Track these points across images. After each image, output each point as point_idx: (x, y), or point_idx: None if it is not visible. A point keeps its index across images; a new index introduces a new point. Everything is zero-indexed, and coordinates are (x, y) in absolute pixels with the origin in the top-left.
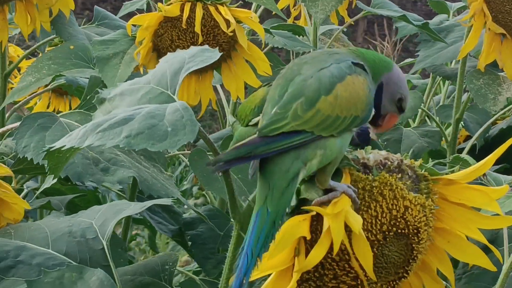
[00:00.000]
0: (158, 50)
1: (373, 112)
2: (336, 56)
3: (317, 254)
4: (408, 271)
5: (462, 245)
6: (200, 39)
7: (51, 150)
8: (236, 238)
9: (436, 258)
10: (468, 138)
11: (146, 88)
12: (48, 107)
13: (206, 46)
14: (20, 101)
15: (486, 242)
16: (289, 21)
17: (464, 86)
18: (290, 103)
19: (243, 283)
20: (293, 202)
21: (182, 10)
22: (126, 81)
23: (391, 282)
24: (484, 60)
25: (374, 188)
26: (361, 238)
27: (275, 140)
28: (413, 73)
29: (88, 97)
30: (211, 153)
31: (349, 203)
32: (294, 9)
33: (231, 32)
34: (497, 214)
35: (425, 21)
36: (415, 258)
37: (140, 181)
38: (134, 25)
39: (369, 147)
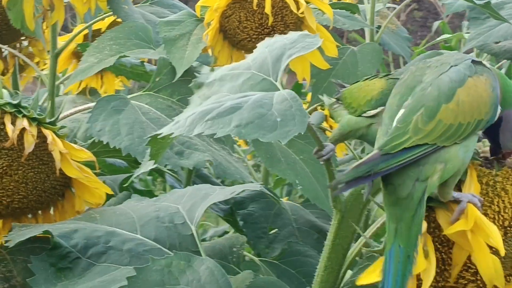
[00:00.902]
0: (225, 31)
1: (498, 111)
2: (455, 56)
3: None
4: None
5: None
6: (271, 20)
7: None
8: (335, 228)
9: None
10: None
11: (247, 74)
12: (80, 82)
13: (306, 32)
14: None
15: None
16: None
17: None
18: (410, 116)
19: None
20: None
21: None
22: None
23: (506, 277)
24: None
25: (497, 183)
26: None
27: (396, 155)
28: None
29: (157, 79)
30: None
31: (477, 212)
32: None
33: (301, 13)
34: None
35: (487, 0)
36: None
37: (216, 165)
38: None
39: (486, 140)
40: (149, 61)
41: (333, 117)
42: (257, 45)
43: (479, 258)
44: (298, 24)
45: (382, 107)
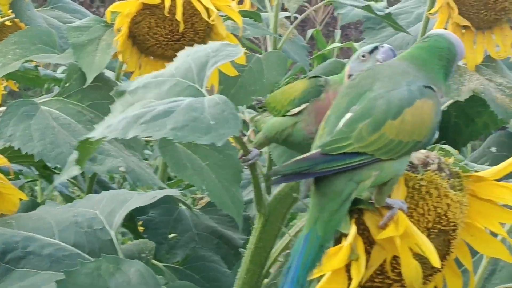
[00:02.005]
0: (134, 37)
1: (436, 135)
2: (408, 77)
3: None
4: (443, 266)
5: (485, 239)
6: (182, 27)
7: (88, 140)
8: (259, 231)
9: (459, 252)
10: None
11: (171, 81)
12: None
13: (227, 41)
14: None
15: (507, 236)
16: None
17: None
18: (356, 122)
19: None
20: None
21: None
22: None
23: (427, 277)
24: None
25: (422, 187)
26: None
27: (336, 159)
28: None
29: (67, 85)
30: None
31: (407, 220)
32: None
33: (212, 20)
34: None
35: (388, 11)
36: (450, 253)
37: (128, 171)
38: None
39: None
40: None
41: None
42: (174, 53)
43: (404, 262)
44: (208, 31)
45: (305, 104)
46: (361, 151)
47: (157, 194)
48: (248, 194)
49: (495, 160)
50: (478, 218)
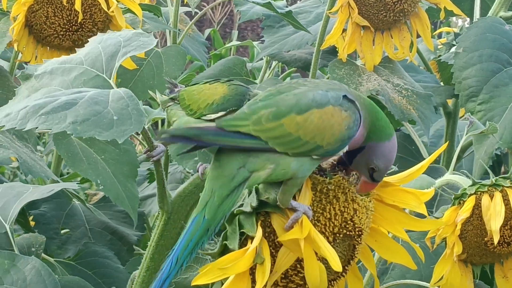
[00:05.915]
0: (30, 26)
1: (344, 150)
2: (332, 86)
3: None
4: (347, 271)
5: (388, 244)
6: (80, 17)
7: None
8: (161, 229)
9: (362, 256)
10: None
11: (79, 69)
12: None
13: (140, 30)
14: None
15: (410, 241)
16: None
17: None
18: (260, 109)
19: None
20: (254, 203)
21: None
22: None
23: (331, 282)
24: (346, 50)
25: (330, 191)
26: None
27: (228, 135)
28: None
29: None
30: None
31: (310, 224)
32: None
33: (112, 12)
34: (424, 216)
35: (289, 9)
36: (354, 258)
37: (21, 163)
38: None
39: None
40: None
41: (167, 116)
42: (72, 44)
43: (307, 265)
44: (107, 23)
45: (223, 112)
46: (255, 135)
47: (55, 187)
48: (143, 191)
49: None
50: (383, 223)
